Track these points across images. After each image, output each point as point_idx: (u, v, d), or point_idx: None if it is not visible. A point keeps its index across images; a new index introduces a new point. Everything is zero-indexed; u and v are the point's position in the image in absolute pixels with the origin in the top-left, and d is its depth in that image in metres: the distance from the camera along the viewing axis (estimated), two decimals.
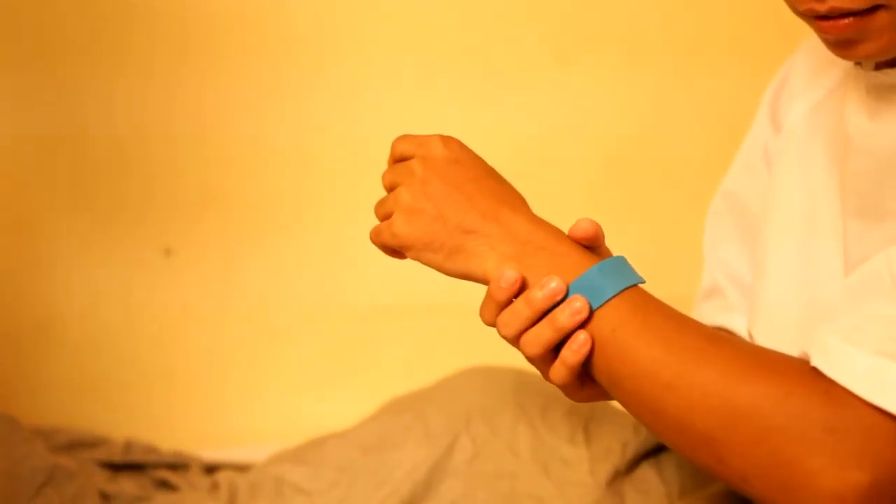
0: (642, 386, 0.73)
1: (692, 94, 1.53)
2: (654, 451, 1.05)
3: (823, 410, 0.70)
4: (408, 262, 0.84)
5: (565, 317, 0.74)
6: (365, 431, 1.16)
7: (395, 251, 0.83)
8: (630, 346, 0.74)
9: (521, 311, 0.76)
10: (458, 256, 0.78)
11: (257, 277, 1.55)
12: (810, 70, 0.97)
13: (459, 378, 1.16)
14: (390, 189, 0.82)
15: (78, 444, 1.28)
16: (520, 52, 1.51)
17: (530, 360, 0.78)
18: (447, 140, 0.81)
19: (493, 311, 0.77)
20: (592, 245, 0.79)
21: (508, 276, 0.76)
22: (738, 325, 1.03)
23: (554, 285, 0.75)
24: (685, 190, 1.54)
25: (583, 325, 0.75)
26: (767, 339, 0.92)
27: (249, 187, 1.54)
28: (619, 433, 1.05)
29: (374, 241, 0.82)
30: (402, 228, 0.79)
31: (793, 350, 0.77)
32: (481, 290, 0.79)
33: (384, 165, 0.84)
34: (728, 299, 1.05)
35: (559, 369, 0.76)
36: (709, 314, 1.06)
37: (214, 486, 1.19)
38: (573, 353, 0.75)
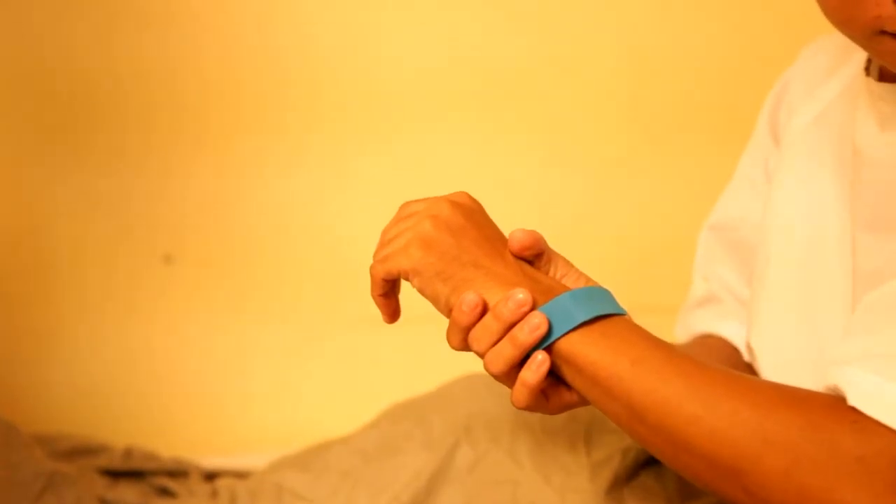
0: (666, 418, 0.73)
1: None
2: (655, 459, 1.04)
3: (853, 440, 0.69)
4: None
5: (524, 333, 0.75)
6: (365, 438, 1.16)
7: (388, 294, 0.84)
8: (652, 378, 0.74)
9: (490, 324, 0.76)
10: (464, 288, 0.78)
11: (257, 284, 1.55)
12: (808, 82, 0.97)
13: (460, 385, 1.16)
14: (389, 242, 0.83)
15: (78, 451, 1.28)
16: None
17: (497, 378, 0.78)
18: (471, 196, 0.83)
19: (459, 336, 0.78)
20: (534, 252, 0.80)
21: (469, 300, 0.76)
22: (734, 333, 1.03)
23: (521, 297, 0.75)
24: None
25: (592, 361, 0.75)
26: (769, 350, 0.92)
27: (249, 194, 1.54)
28: (619, 440, 1.05)
29: (376, 271, 0.82)
30: (417, 253, 0.79)
31: (795, 361, 0.77)
32: None
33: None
34: (725, 306, 1.05)
35: (520, 391, 0.76)
36: (703, 321, 1.06)
37: (214, 494, 1.19)
38: (532, 373, 0.75)
